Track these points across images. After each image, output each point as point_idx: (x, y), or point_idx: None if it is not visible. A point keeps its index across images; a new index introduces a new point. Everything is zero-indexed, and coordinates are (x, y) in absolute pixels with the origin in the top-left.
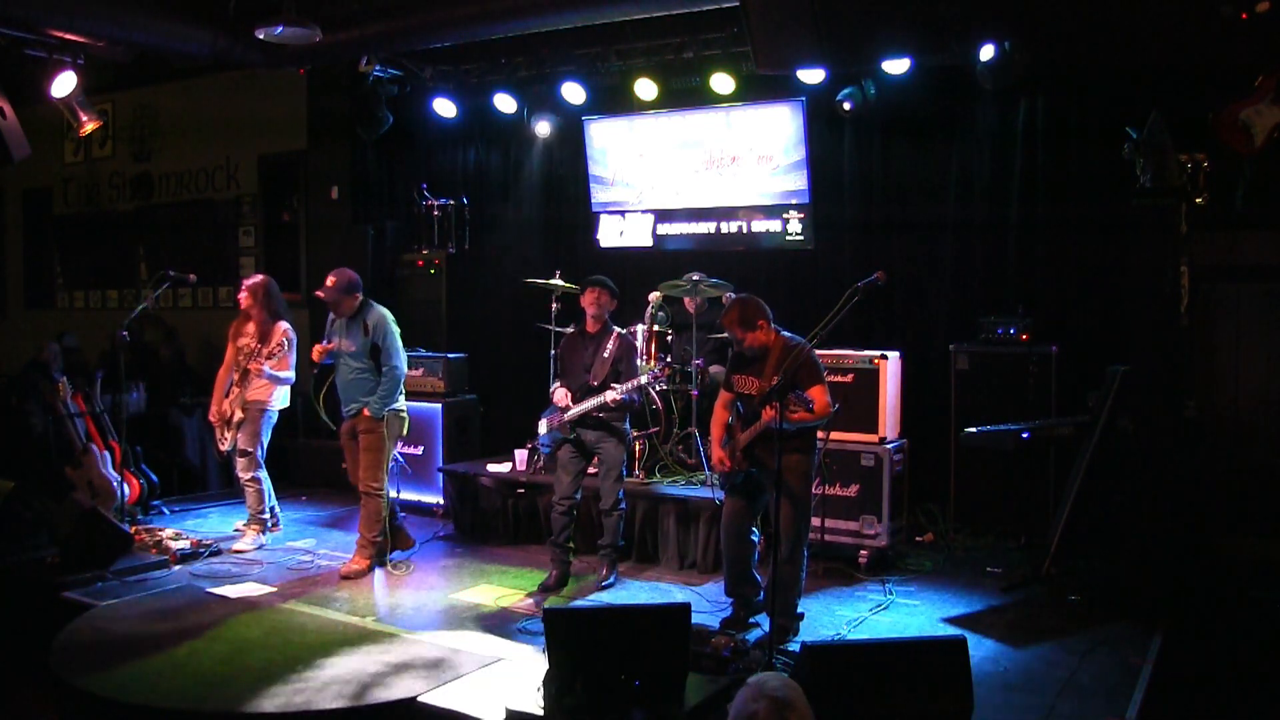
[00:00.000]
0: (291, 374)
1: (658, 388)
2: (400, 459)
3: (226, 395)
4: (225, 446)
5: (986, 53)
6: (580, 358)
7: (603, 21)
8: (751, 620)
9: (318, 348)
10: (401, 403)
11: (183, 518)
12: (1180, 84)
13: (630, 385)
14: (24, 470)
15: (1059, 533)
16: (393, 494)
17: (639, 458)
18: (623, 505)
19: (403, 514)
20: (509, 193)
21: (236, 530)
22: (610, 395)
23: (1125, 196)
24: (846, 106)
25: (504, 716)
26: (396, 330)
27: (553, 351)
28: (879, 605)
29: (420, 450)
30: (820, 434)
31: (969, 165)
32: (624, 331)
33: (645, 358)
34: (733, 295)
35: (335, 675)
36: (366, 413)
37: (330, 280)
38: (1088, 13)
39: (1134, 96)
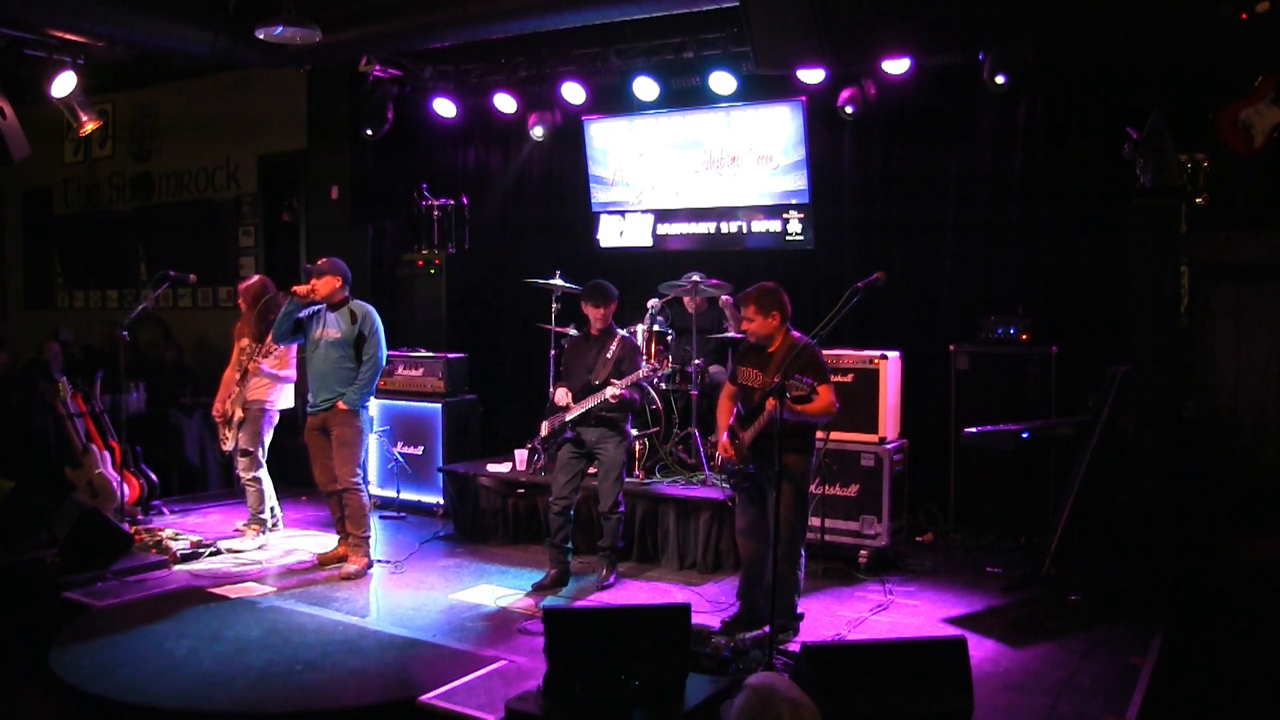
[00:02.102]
0: (292, 372)
1: (656, 381)
2: (400, 459)
3: (229, 395)
4: (227, 446)
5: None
6: (584, 359)
7: (603, 21)
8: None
9: (302, 286)
10: (370, 401)
11: (183, 518)
12: (1180, 84)
13: (630, 379)
14: (24, 470)
15: (1059, 533)
16: (392, 493)
17: (639, 458)
18: (621, 508)
19: (404, 514)
20: (509, 193)
21: (236, 530)
22: (611, 391)
23: (1125, 196)
24: (849, 110)
25: (504, 716)
26: (382, 327)
27: (552, 351)
28: (879, 605)
29: (420, 450)
30: (820, 434)
31: (969, 165)
32: (627, 334)
33: (646, 358)
34: (730, 298)
35: (335, 675)
36: (343, 405)
37: (321, 260)
38: (1088, 13)
39: (1134, 96)
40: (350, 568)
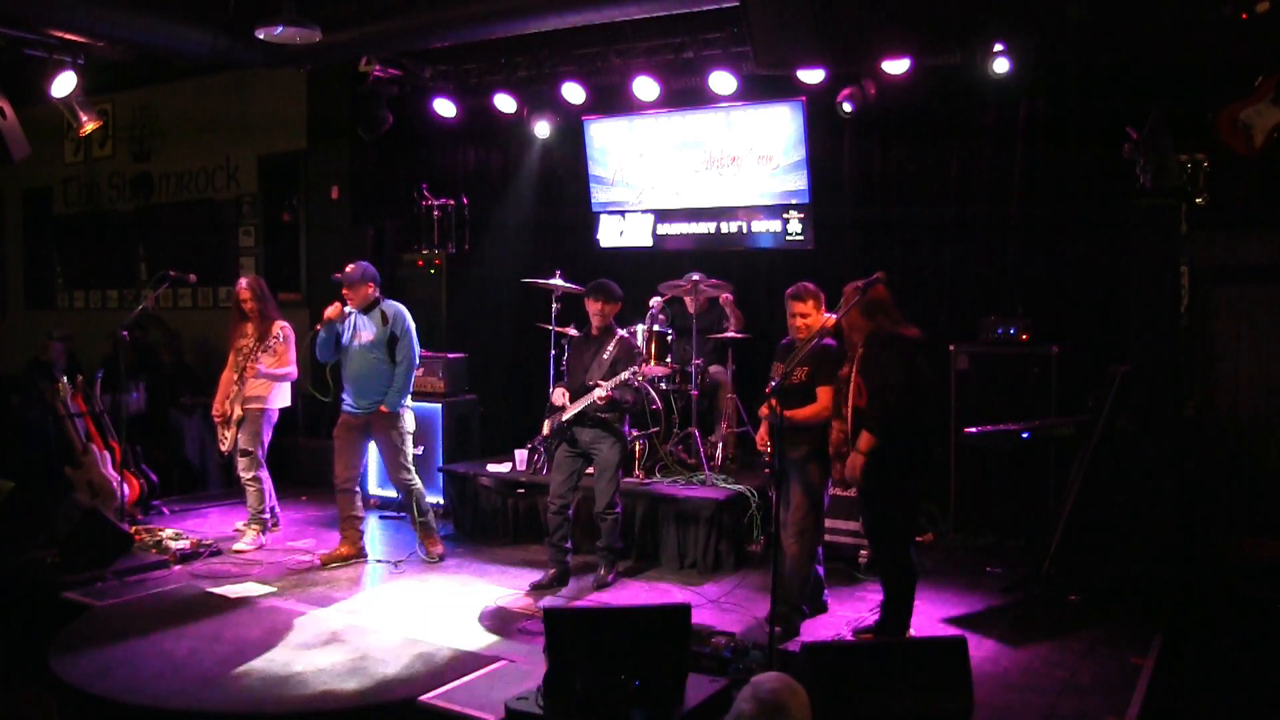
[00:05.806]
0: (292, 368)
1: (639, 382)
2: None
3: (228, 395)
4: (226, 447)
5: (989, 53)
6: (582, 360)
7: (603, 21)
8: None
9: (332, 308)
10: (408, 399)
11: (183, 518)
12: (1180, 84)
13: (615, 381)
14: (24, 470)
15: (1059, 533)
16: (392, 493)
17: (639, 458)
18: (617, 508)
19: (404, 514)
20: (509, 193)
21: (236, 530)
22: (598, 392)
23: (1125, 196)
24: (847, 108)
25: (504, 716)
26: (413, 325)
27: (552, 352)
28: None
29: (420, 450)
30: None
31: (969, 165)
32: (625, 334)
33: (645, 358)
34: (730, 296)
35: (335, 675)
36: (384, 409)
37: (349, 266)
38: (1088, 13)
39: (1134, 96)
40: (437, 550)
